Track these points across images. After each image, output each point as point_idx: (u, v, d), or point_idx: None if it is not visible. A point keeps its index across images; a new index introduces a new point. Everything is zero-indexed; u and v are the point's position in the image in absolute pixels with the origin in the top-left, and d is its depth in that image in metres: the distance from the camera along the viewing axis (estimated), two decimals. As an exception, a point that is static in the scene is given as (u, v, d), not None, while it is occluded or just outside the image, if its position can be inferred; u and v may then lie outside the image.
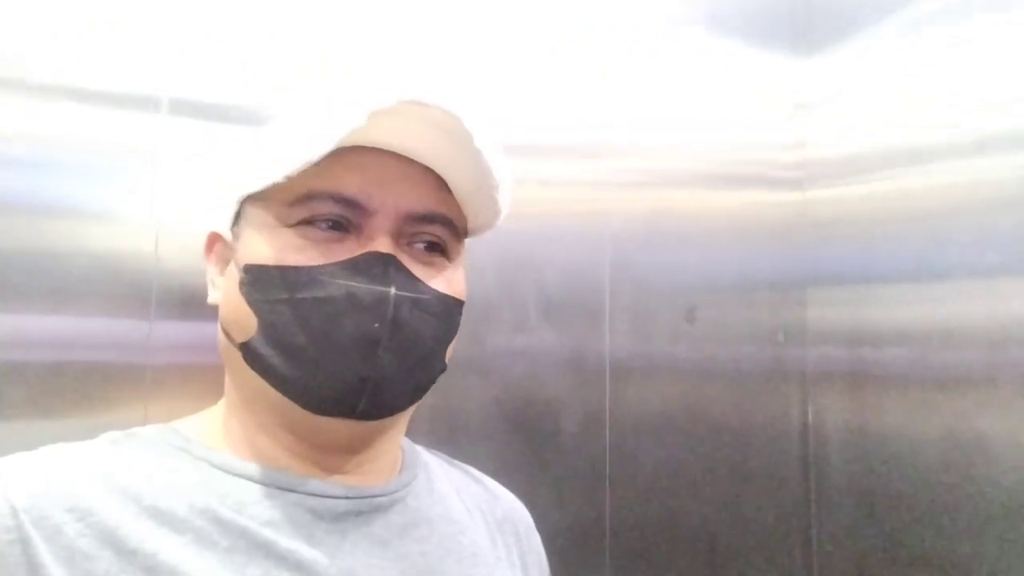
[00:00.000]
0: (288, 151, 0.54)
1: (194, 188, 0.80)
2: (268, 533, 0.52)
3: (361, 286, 0.52)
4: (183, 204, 0.79)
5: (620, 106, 1.06)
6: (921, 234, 0.98)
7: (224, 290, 0.59)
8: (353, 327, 0.52)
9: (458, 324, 0.61)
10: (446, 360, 0.61)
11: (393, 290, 0.53)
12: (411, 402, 0.59)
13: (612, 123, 1.05)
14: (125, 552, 0.47)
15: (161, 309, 0.77)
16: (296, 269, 0.53)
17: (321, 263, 0.53)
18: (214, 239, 0.62)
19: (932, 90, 0.98)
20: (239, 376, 0.57)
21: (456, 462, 0.75)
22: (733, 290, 1.10)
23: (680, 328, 1.06)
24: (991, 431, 0.87)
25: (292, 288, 0.53)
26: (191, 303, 0.77)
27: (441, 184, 0.59)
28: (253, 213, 0.58)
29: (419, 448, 0.71)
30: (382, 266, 0.54)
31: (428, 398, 0.61)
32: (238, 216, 0.60)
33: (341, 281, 0.53)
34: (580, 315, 1.00)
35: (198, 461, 0.55)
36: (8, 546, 0.46)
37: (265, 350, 0.54)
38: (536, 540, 0.74)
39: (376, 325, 0.52)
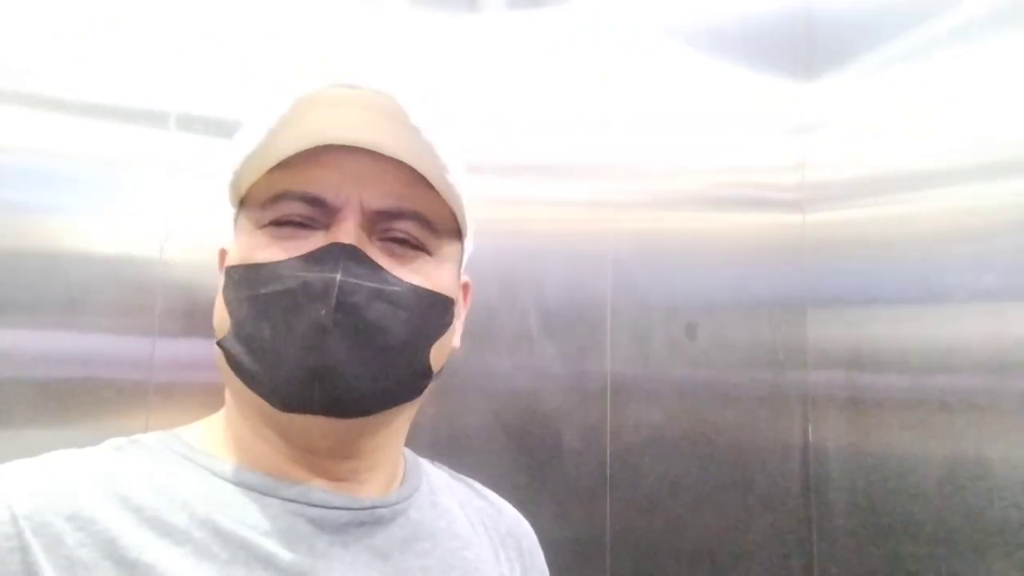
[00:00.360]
0: (236, 151, 0.57)
1: (202, 203, 0.81)
2: (269, 544, 0.52)
3: (312, 275, 0.52)
4: (192, 218, 0.80)
5: (621, 126, 1.07)
6: (921, 256, 0.99)
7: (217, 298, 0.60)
8: (302, 315, 0.51)
9: (443, 322, 0.59)
10: (431, 362, 0.58)
11: (339, 276, 0.52)
12: (382, 401, 0.56)
13: (613, 144, 1.06)
14: (125, 563, 0.47)
15: (165, 323, 0.77)
16: (259, 266, 0.54)
17: (282, 258, 0.54)
18: (222, 254, 0.63)
19: (932, 115, 0.99)
20: (226, 379, 0.57)
21: (460, 476, 0.75)
22: (734, 310, 1.11)
23: (680, 346, 1.06)
24: (992, 453, 0.87)
25: (254, 284, 0.54)
26: (193, 317, 0.78)
27: (418, 179, 0.56)
28: (241, 220, 0.59)
29: (422, 460, 0.70)
30: (336, 255, 0.53)
31: (428, 410, 0.61)
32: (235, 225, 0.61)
33: (297, 273, 0.52)
34: (582, 332, 1.00)
35: (199, 469, 0.55)
36: (8, 554, 0.45)
37: (234, 347, 0.54)
38: (539, 557, 0.73)
39: (323, 312, 0.51)
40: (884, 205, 1.05)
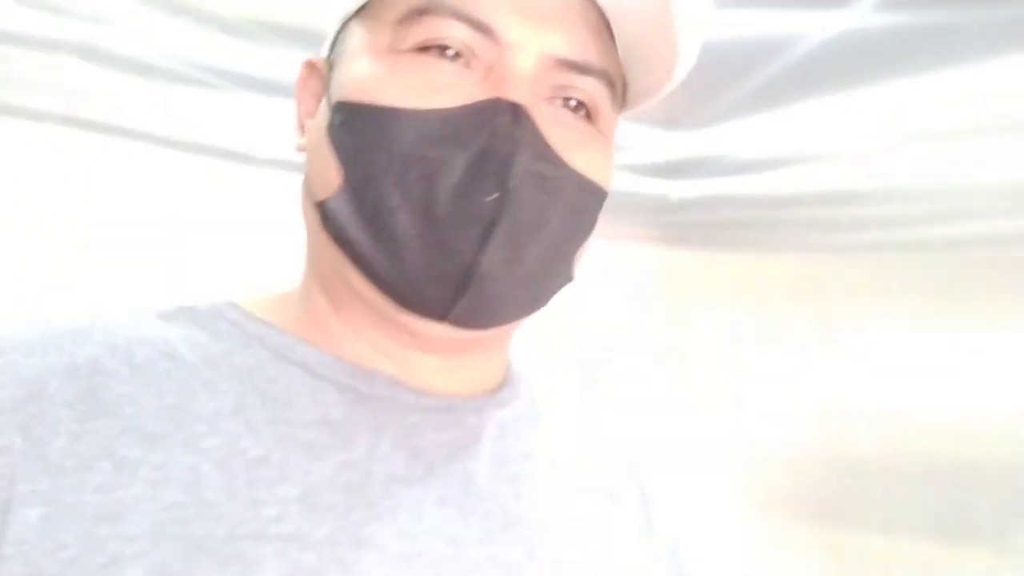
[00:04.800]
0: None
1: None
2: (318, 437, 0.42)
3: (476, 142, 0.40)
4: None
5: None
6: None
7: (312, 133, 0.47)
8: (462, 197, 0.40)
9: (594, 221, 0.47)
10: (573, 268, 0.48)
11: (518, 152, 0.40)
12: (524, 313, 0.46)
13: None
14: (132, 422, 0.39)
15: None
16: (395, 112, 0.41)
17: (430, 106, 0.41)
18: (309, 69, 0.49)
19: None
20: (317, 248, 0.46)
21: (574, 407, 0.61)
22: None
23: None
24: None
25: (388, 136, 0.41)
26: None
27: (603, 29, 0.45)
28: (355, 35, 0.45)
29: (528, 373, 0.57)
30: (510, 120, 0.40)
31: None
32: (338, 39, 0.48)
33: (450, 131, 0.40)
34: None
35: (253, 343, 0.44)
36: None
37: (346, 214, 0.42)
38: (663, 523, 0.58)
39: (488, 197, 0.40)
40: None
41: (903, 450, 0.82)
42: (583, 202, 0.45)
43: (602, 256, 0.54)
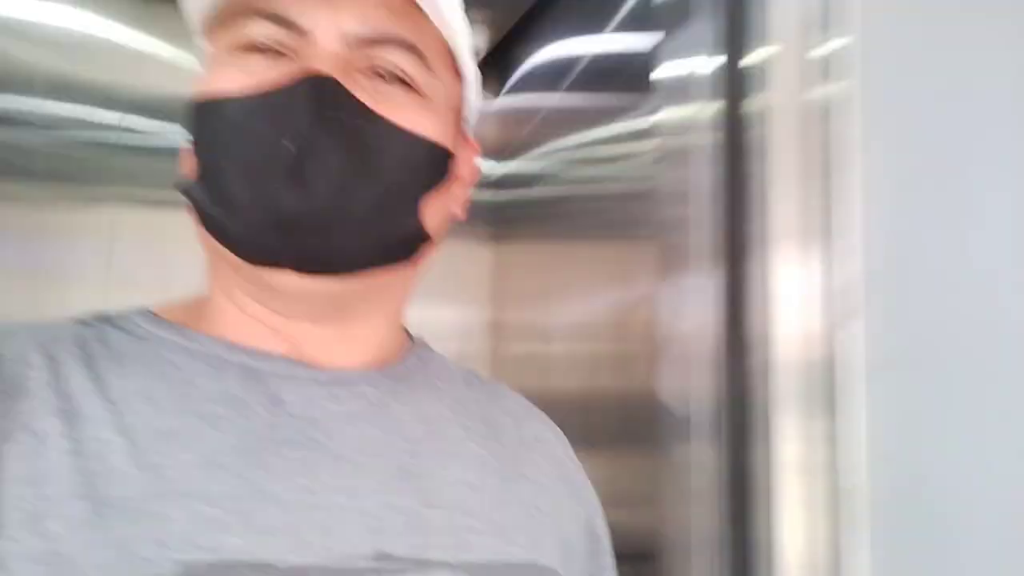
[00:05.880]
0: None
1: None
2: (217, 409, 0.46)
3: (279, 110, 0.46)
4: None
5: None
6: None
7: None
8: (269, 154, 0.45)
9: (436, 175, 0.52)
10: (423, 220, 0.51)
11: (309, 108, 0.45)
12: (365, 258, 0.49)
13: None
14: (54, 402, 0.44)
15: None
16: (219, 100, 0.47)
17: (243, 89, 0.46)
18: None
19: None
20: (199, 236, 0.51)
21: (490, 380, 0.64)
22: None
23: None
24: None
25: (215, 120, 0.47)
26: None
27: (408, 5, 0.49)
28: (206, 49, 0.52)
29: (435, 351, 0.61)
30: (308, 87, 0.45)
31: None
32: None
33: (261, 107, 0.46)
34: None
35: (162, 341, 0.50)
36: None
37: (200, 194, 0.48)
38: (580, 472, 0.61)
39: (293, 151, 0.45)
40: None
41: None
42: (407, 153, 0.49)
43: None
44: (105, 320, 0.51)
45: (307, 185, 0.45)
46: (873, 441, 0.61)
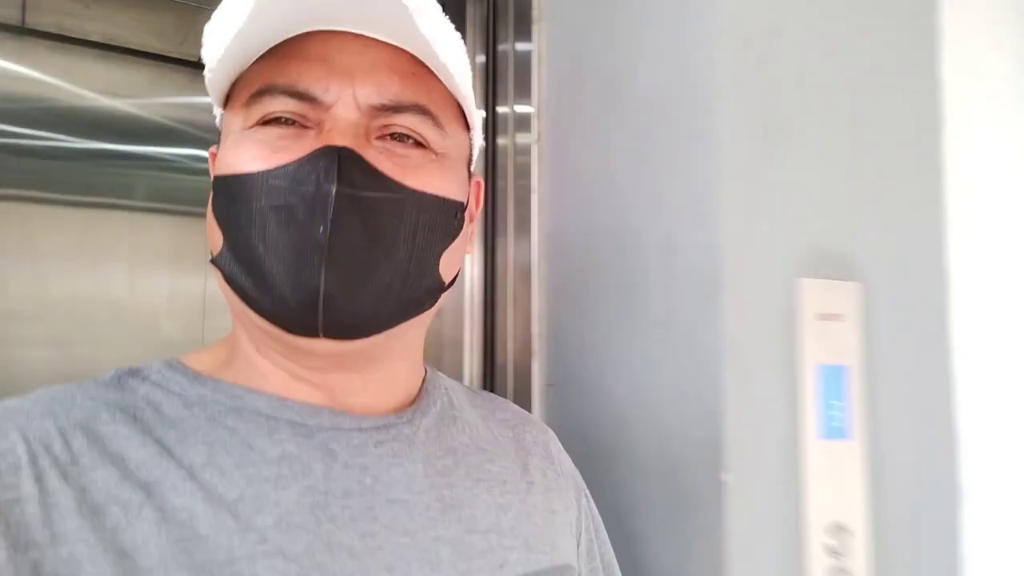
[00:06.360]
0: (209, 43, 0.51)
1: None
2: (275, 474, 0.49)
3: (304, 187, 0.47)
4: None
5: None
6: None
7: (208, 209, 0.54)
8: (297, 233, 0.47)
9: (453, 230, 0.54)
10: (441, 274, 0.54)
11: (334, 188, 0.46)
12: (390, 320, 0.52)
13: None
14: (132, 479, 0.46)
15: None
16: (247, 177, 0.49)
17: (272, 166, 0.49)
18: (212, 157, 0.57)
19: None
20: (228, 298, 0.53)
21: (480, 390, 0.72)
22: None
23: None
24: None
25: (244, 198, 0.49)
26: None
27: (417, 66, 0.52)
28: (227, 121, 0.54)
29: (440, 375, 0.66)
30: (330, 161, 0.47)
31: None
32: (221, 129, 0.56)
33: (289, 184, 0.48)
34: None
35: (203, 395, 0.52)
36: (14, 473, 0.44)
37: (230, 266, 0.50)
38: (568, 460, 0.69)
39: (320, 229, 0.47)
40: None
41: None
42: (427, 215, 0.52)
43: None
44: (142, 379, 0.53)
45: (336, 262, 0.47)
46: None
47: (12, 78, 0.89)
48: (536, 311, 1.02)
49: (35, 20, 0.91)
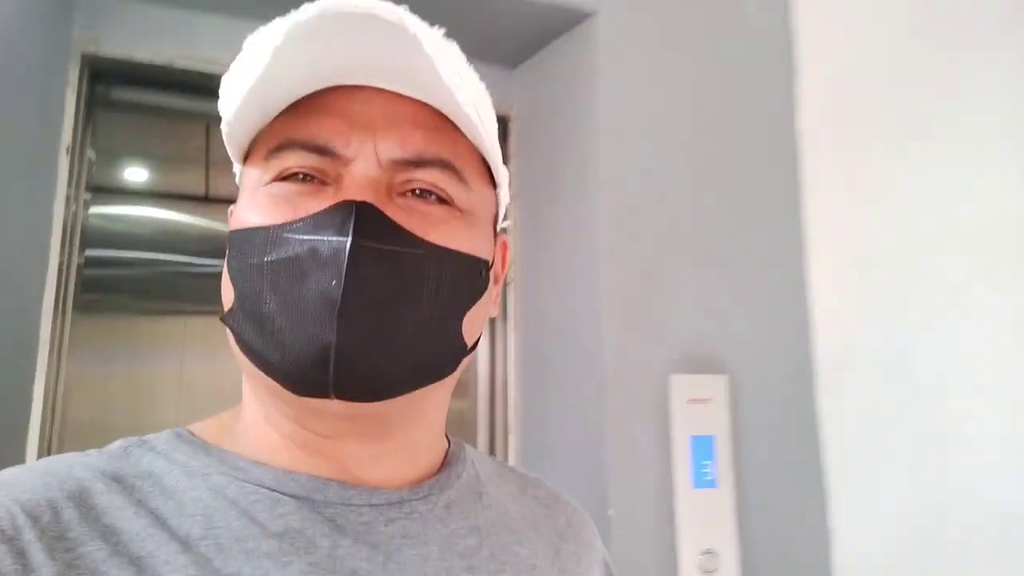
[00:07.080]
0: (225, 98, 0.50)
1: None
2: (279, 550, 0.45)
3: (319, 240, 0.45)
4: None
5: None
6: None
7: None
8: (309, 287, 0.45)
9: (476, 289, 0.52)
10: (464, 335, 0.51)
11: (350, 240, 0.44)
12: (407, 383, 0.49)
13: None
14: (123, 553, 0.43)
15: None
16: (260, 230, 0.47)
17: (286, 220, 0.47)
18: (231, 214, 0.54)
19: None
20: (238, 360, 0.51)
21: (510, 465, 0.67)
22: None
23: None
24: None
25: (256, 251, 0.47)
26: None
27: (440, 120, 0.51)
28: (245, 176, 0.53)
29: (468, 446, 0.62)
30: (347, 214, 0.45)
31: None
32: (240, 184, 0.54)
33: (301, 237, 0.46)
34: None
35: (210, 466, 0.49)
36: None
37: (240, 324, 0.48)
38: (600, 546, 0.65)
39: (332, 283, 0.44)
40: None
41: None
42: (449, 272, 0.49)
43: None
44: (148, 448, 0.50)
45: (349, 318, 0.44)
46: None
47: (199, 228, 1.34)
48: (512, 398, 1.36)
49: (215, 192, 1.35)
